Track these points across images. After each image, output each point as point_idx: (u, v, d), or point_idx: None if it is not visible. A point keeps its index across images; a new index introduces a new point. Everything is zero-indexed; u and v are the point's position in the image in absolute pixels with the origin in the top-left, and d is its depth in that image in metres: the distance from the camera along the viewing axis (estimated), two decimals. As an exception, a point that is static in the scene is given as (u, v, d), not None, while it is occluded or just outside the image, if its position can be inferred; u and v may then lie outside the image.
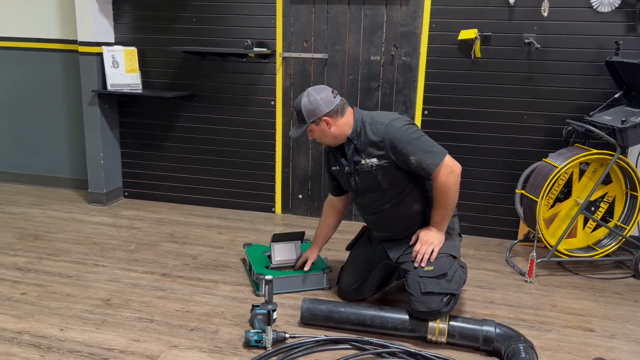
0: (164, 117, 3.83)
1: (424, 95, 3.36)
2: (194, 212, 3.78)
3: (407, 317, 2.21)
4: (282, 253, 2.72)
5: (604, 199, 2.97)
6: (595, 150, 2.79)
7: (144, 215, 3.70)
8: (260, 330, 2.14)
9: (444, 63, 3.30)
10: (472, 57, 3.22)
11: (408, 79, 3.38)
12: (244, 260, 2.95)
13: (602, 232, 3.00)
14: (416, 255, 2.24)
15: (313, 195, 3.71)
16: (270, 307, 2.08)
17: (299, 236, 2.77)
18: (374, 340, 2.15)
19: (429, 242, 2.24)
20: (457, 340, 2.16)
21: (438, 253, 2.24)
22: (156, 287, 2.63)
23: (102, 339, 2.17)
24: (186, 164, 3.87)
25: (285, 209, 3.78)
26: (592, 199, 2.85)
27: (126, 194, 4.05)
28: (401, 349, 2.11)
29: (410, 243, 2.31)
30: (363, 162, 2.25)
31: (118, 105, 3.89)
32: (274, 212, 3.80)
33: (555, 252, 2.85)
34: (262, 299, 2.53)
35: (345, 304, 2.32)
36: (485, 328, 2.13)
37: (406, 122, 2.21)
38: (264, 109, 3.65)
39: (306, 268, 2.61)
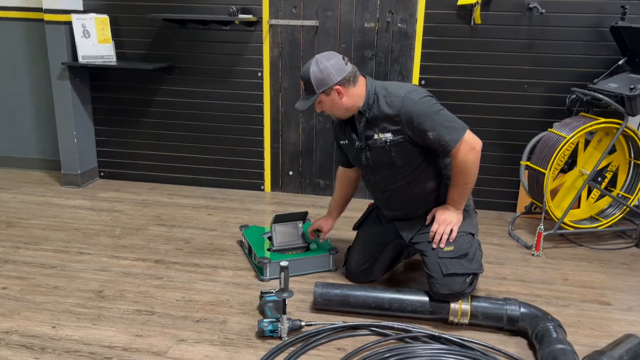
0: (140, 91, 3.57)
1: (420, 65, 3.22)
2: (178, 192, 3.56)
3: (427, 299, 2.10)
4: (284, 235, 2.57)
5: (608, 169, 2.92)
6: (602, 119, 2.71)
7: (125, 197, 3.47)
8: (274, 319, 2.00)
9: (442, 30, 3.15)
10: (472, 23, 3.08)
11: (404, 47, 3.22)
12: (241, 243, 2.78)
13: (605, 202, 2.96)
14: (434, 236, 2.12)
15: (304, 172, 3.55)
16: (286, 295, 1.93)
17: (301, 216, 2.62)
18: (395, 324, 2.04)
19: (447, 221, 2.12)
20: (479, 321, 2.07)
21: (458, 232, 2.13)
22: (151, 275, 2.44)
23: (101, 336, 1.98)
24: (166, 141, 3.63)
25: (275, 186, 3.61)
26: (597, 169, 2.79)
27: (102, 174, 3.79)
28: (424, 332, 2.00)
29: (427, 223, 2.18)
30: (376, 137, 2.09)
31: (90, 78, 3.60)
32: (263, 190, 3.63)
33: (561, 224, 2.79)
34: (266, 284, 2.38)
35: (360, 287, 2.19)
36: (509, 307, 2.04)
37: (424, 94, 2.06)
38: (250, 81, 3.43)
39: (321, 239, 2.50)
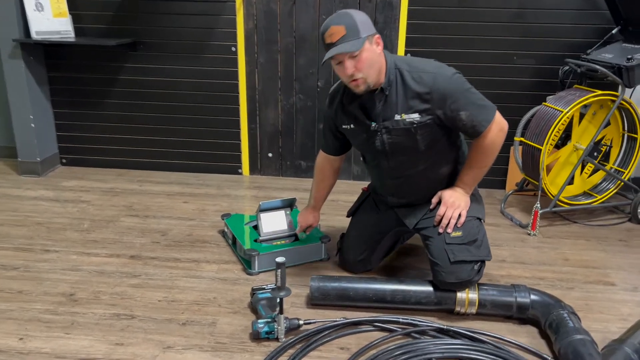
0: (103, 69, 3.28)
1: (406, 37, 3.04)
2: (148, 179, 3.32)
3: (431, 289, 1.96)
4: (271, 223, 2.39)
5: (602, 142, 2.82)
6: (599, 92, 2.60)
7: (90, 185, 3.20)
8: (269, 319, 1.83)
9: (428, -1, 2.98)
10: (460, -8, 2.91)
11: (388, 17, 3.03)
12: (223, 233, 2.58)
13: (598, 176, 2.87)
14: (440, 220, 1.97)
15: (285, 153, 3.35)
16: (283, 293, 1.76)
17: (288, 203, 2.43)
18: (401, 318, 1.90)
19: (455, 204, 1.97)
20: (487, 310, 1.95)
21: (469, 217, 1.98)
22: (127, 274, 2.22)
23: (76, 347, 1.77)
24: (134, 123, 3.37)
25: (253, 169, 3.41)
26: (588, 142, 2.69)
27: (64, 161, 3.50)
28: (432, 325, 1.87)
29: (432, 207, 2.03)
30: (397, 117, 1.87)
31: (45, 57, 3.28)
32: (240, 173, 3.41)
33: (557, 201, 2.70)
34: (255, 279, 2.21)
35: (359, 279, 2.04)
36: (518, 295, 1.92)
37: (454, 70, 1.86)
38: (223, 57, 3.19)
39: (307, 231, 2.33)
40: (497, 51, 3.01)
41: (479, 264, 1.93)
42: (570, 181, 2.83)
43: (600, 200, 2.81)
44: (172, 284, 2.15)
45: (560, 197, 2.73)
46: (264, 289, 2.00)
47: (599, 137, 2.77)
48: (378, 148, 1.96)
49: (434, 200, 2.02)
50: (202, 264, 2.31)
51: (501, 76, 3.06)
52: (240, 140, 3.33)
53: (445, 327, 1.86)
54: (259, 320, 1.82)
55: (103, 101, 3.34)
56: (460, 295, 1.94)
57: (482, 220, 2.03)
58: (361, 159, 2.22)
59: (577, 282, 2.25)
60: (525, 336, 1.88)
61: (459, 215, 1.95)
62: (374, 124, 1.92)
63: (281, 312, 1.78)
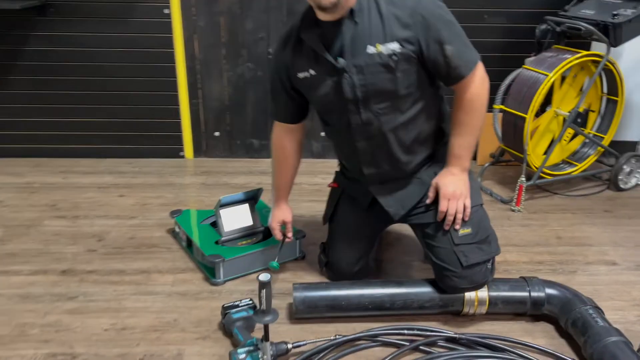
0: (4, 39, 2.70)
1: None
2: (73, 169, 2.81)
3: (434, 291, 1.69)
4: (233, 220, 2.02)
5: (581, 107, 2.63)
6: (584, 52, 2.39)
7: (2, 180, 2.66)
8: (251, 347, 1.48)
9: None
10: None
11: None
12: (174, 233, 2.18)
13: (576, 142, 2.69)
14: (444, 217, 1.64)
15: (234, 131, 2.94)
16: (269, 318, 1.41)
17: (252, 195, 2.06)
18: (405, 329, 1.61)
19: (456, 194, 1.63)
20: (499, 309, 1.70)
21: (472, 207, 1.67)
22: (60, 296, 1.79)
23: (2, 409, 1.36)
24: (48, 103, 2.82)
25: (198, 151, 2.98)
26: (570, 108, 2.49)
27: (-36, 152, 2.92)
28: (442, 335, 1.60)
29: (428, 200, 1.68)
30: (372, 50, 1.48)
31: None
32: (183, 156, 2.98)
33: (540, 173, 2.49)
34: (221, 289, 1.85)
35: (351, 284, 1.72)
36: (532, 289, 1.69)
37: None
38: (154, 21, 2.70)
39: (289, 235, 1.88)
40: (466, 9, 2.73)
41: (491, 261, 1.67)
42: (549, 149, 2.63)
43: (582, 169, 2.64)
44: (119, 305, 1.75)
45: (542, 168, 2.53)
46: (237, 306, 1.64)
47: (577, 102, 2.57)
48: (347, 96, 1.54)
49: (431, 193, 1.67)
50: (153, 275, 1.91)
51: (471, 37, 2.77)
52: (180, 119, 2.89)
53: (457, 335, 1.59)
54: (239, 350, 1.47)
55: (7, 78, 2.77)
56: (468, 295, 1.67)
57: (482, 205, 1.75)
58: (323, 126, 1.79)
59: (577, 263, 2.06)
60: (542, 336, 1.66)
61: (464, 205, 1.65)
62: (341, 61, 1.51)
63: (267, 339, 1.44)
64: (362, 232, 1.84)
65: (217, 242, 1.96)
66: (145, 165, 2.86)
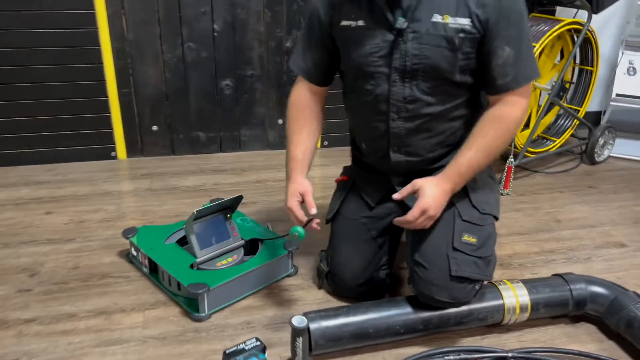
0: None
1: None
2: (-25, 182, 2.26)
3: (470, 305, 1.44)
4: (208, 237, 1.64)
5: (564, 79, 2.50)
6: (568, 20, 2.24)
7: None
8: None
9: None
10: None
11: None
12: (129, 257, 1.75)
13: (550, 116, 2.57)
14: (403, 222, 1.35)
15: (175, 124, 2.51)
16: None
17: (229, 204, 1.69)
18: (450, 352, 1.35)
19: (430, 214, 1.31)
20: (540, 314, 1.49)
21: (483, 213, 1.44)
22: (-7, 361, 1.34)
23: None
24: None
25: (133, 150, 2.51)
26: (547, 80, 2.35)
27: None
28: (494, 354, 1.36)
29: (397, 197, 1.37)
30: (439, 19, 1.25)
31: None
32: (115, 157, 2.50)
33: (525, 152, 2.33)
34: (210, 326, 1.48)
35: (375, 306, 1.41)
36: (574, 288, 1.49)
37: None
38: (70, -6, 2.21)
39: (313, 212, 1.34)
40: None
41: (480, 283, 1.43)
42: (527, 124, 2.48)
43: (560, 143, 2.52)
44: (79, 364, 1.34)
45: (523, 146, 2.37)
46: (244, 350, 1.29)
47: (554, 73, 2.44)
48: (395, 65, 1.30)
49: (407, 191, 1.35)
50: (115, 315, 1.50)
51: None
52: (109, 112, 2.41)
53: (509, 353, 1.36)
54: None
55: None
56: (509, 301, 1.44)
57: (494, 223, 1.49)
58: (346, 97, 1.49)
59: (587, 248, 1.91)
60: (590, 340, 1.47)
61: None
62: (400, 20, 1.26)
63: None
64: (369, 234, 1.54)
65: (191, 266, 1.58)
66: (70, 172, 2.36)
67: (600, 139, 2.53)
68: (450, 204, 1.40)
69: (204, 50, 2.39)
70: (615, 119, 2.72)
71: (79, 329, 1.44)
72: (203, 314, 1.49)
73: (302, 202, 1.38)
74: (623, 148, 2.68)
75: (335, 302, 1.57)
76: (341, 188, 1.62)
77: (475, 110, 1.42)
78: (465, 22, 1.24)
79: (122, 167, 2.44)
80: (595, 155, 2.56)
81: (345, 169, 1.64)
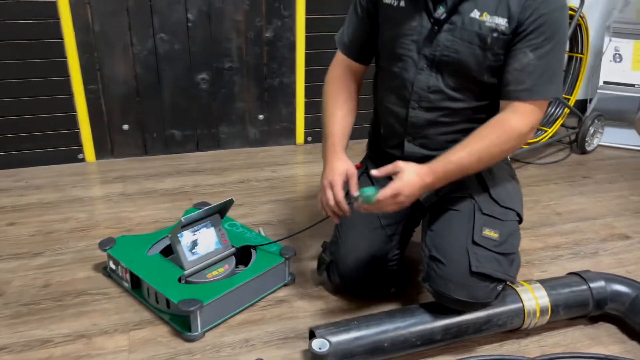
0: None
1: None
2: None
3: (491, 307, 1.33)
4: (196, 246, 1.49)
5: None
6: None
7: None
8: None
9: None
10: None
11: None
12: (107, 271, 1.58)
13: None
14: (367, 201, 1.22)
15: (148, 123, 2.33)
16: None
17: (218, 209, 1.54)
18: (473, 367, 1.25)
19: (402, 200, 1.19)
20: (560, 317, 1.40)
21: (504, 207, 1.35)
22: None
23: None
24: None
25: (102, 151, 2.32)
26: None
27: None
28: (515, 365, 1.26)
29: (375, 173, 1.22)
30: (476, 15, 1.20)
31: None
32: (83, 160, 2.30)
33: (519, 143, 2.25)
34: (203, 346, 1.33)
35: (388, 317, 1.29)
36: (593, 287, 1.41)
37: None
38: (26, -18, 2.00)
39: (354, 188, 1.25)
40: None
41: (502, 284, 1.33)
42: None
43: (552, 132, 2.46)
44: (58, 399, 1.17)
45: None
46: (249, 374, 1.15)
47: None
48: (424, 52, 1.27)
49: (386, 170, 1.22)
50: (97, 339, 1.33)
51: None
52: (75, 111, 2.21)
53: (533, 362, 1.26)
54: None
55: None
56: (529, 304, 1.35)
57: (520, 221, 1.40)
58: (376, 75, 1.45)
59: (593, 242, 1.84)
60: (612, 342, 1.39)
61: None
62: (440, 10, 1.23)
63: None
64: (378, 222, 1.44)
65: (180, 280, 1.43)
66: (34, 177, 2.15)
67: (590, 128, 2.48)
68: (469, 197, 1.34)
69: (178, 41, 2.21)
70: (601, 107, 2.68)
71: (56, 357, 1.27)
72: (196, 333, 1.34)
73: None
74: (610, 137, 2.64)
75: (338, 313, 1.44)
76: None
77: (489, 110, 1.33)
78: (501, 21, 1.19)
79: (91, 171, 2.25)
80: (586, 144, 2.50)
81: (364, 157, 1.57)
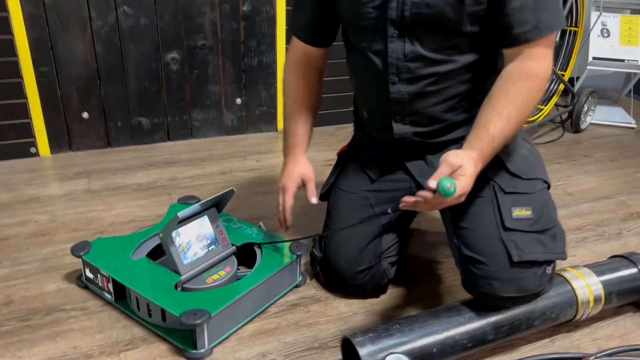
0: None
1: None
2: None
3: (544, 298, 1.17)
4: (192, 247, 1.25)
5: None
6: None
7: None
8: None
9: None
10: None
11: None
12: (82, 281, 1.32)
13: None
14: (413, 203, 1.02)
15: (111, 110, 2.04)
16: None
17: (216, 201, 1.31)
18: (534, 368, 1.08)
19: (463, 198, 1.00)
20: (612, 305, 1.26)
21: (527, 178, 1.17)
22: None
23: None
24: None
25: (58, 144, 2.02)
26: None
27: None
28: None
29: (433, 186, 0.95)
30: None
31: None
32: (36, 154, 2.00)
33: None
34: (212, 364, 1.10)
35: (434, 318, 1.10)
36: (643, 270, 1.28)
37: None
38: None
39: (314, 201, 1.26)
40: None
41: (552, 264, 1.16)
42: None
43: (547, 110, 2.35)
44: None
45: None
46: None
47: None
48: (390, 16, 1.09)
49: (443, 172, 0.98)
50: (78, 365, 1.08)
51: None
52: (25, 97, 1.91)
53: (595, 357, 1.11)
54: None
55: None
56: (581, 292, 1.19)
57: (548, 188, 1.24)
58: (346, 56, 1.28)
59: (614, 222, 1.73)
60: (668, 329, 1.26)
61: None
62: None
63: None
64: (370, 211, 1.27)
65: (176, 287, 1.19)
66: (-23, 176, 1.84)
67: (585, 105, 2.38)
68: (485, 178, 1.13)
69: (144, 16, 1.95)
70: (590, 84, 2.60)
71: (29, 393, 1.01)
72: (203, 350, 1.11)
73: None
74: (599, 115, 2.57)
75: (365, 315, 1.24)
76: (338, 162, 1.39)
77: (491, 72, 1.15)
78: None
79: (46, 166, 1.95)
80: (581, 122, 2.41)
81: (353, 139, 1.42)
